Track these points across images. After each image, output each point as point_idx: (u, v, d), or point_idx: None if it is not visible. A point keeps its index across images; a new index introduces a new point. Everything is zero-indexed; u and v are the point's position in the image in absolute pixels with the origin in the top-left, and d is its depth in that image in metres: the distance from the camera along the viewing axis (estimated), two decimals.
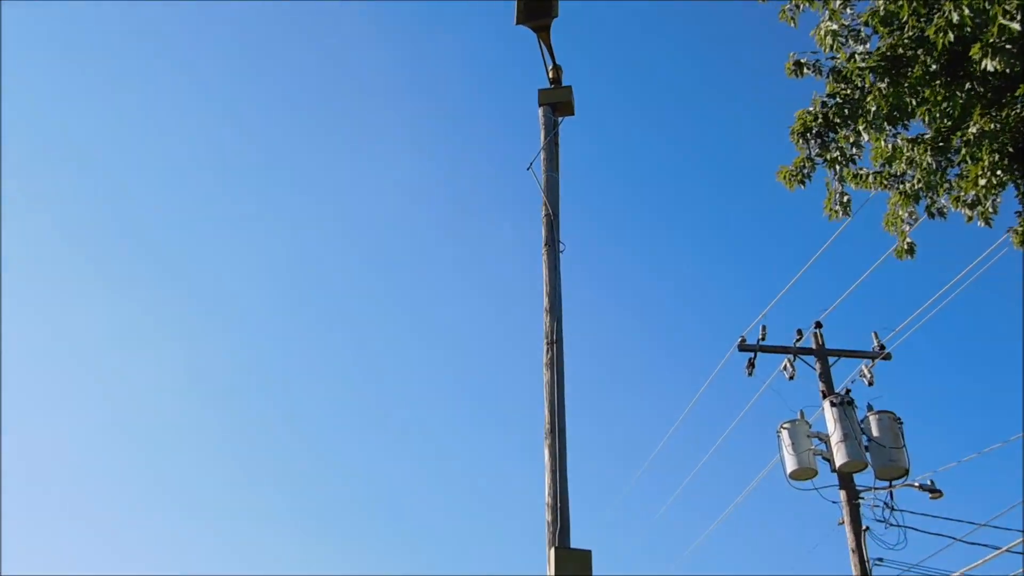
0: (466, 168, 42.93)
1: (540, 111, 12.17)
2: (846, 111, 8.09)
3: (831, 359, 16.05)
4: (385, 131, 41.94)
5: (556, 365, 10.11)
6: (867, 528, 13.66)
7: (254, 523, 41.45)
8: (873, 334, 16.23)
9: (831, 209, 8.94)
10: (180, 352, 43.69)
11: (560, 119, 12.47)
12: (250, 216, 42.95)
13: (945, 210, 8.26)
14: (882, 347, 16.05)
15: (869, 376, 15.80)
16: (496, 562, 40.89)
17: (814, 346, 16.13)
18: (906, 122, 7.92)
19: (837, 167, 8.64)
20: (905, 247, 8.71)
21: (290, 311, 44.77)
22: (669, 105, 41.05)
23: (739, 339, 16.24)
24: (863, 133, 8.07)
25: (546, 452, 9.60)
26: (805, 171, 8.87)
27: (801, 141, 8.62)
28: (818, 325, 16.32)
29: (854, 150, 8.46)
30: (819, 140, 8.48)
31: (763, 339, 16.14)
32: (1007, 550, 12.78)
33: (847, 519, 13.91)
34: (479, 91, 42.57)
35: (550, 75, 12.71)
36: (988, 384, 35.19)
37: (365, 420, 44.80)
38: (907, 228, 8.52)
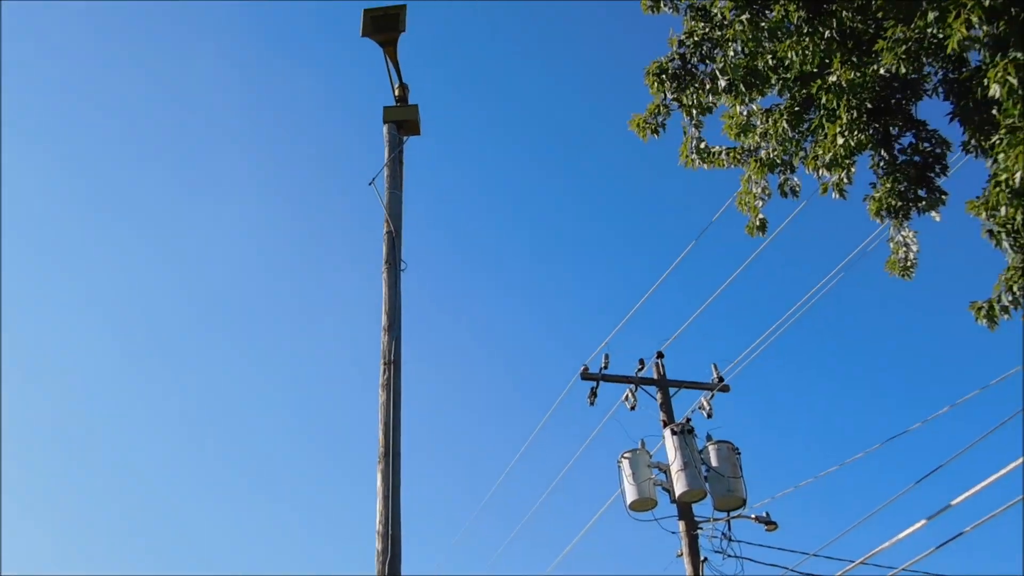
0: (309, 184, 41.83)
1: (384, 128, 11.77)
2: (704, 49, 7.87)
3: (672, 390, 16.11)
4: (215, 146, 40.58)
5: (393, 386, 9.63)
6: (705, 559, 13.64)
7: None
8: (712, 366, 16.40)
9: (687, 157, 8.64)
10: None
11: (406, 138, 12.22)
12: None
13: (798, 188, 8.15)
14: (720, 379, 16.22)
15: (708, 408, 15.92)
16: None
17: (655, 376, 16.15)
18: (762, 89, 7.75)
19: (694, 112, 8.32)
20: (757, 223, 8.48)
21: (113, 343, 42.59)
22: (520, 117, 41.03)
23: (582, 367, 16.13)
24: (720, 79, 7.80)
25: (378, 476, 9.03)
26: (660, 119, 8.48)
27: (656, 84, 8.29)
28: (660, 355, 16.36)
29: (711, 98, 8.16)
30: (675, 83, 8.18)
31: (606, 367, 16.05)
32: None
33: (686, 550, 13.86)
34: (323, 103, 41.65)
35: (396, 92, 12.29)
36: (829, 406, 36.31)
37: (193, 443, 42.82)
38: (759, 204, 8.34)
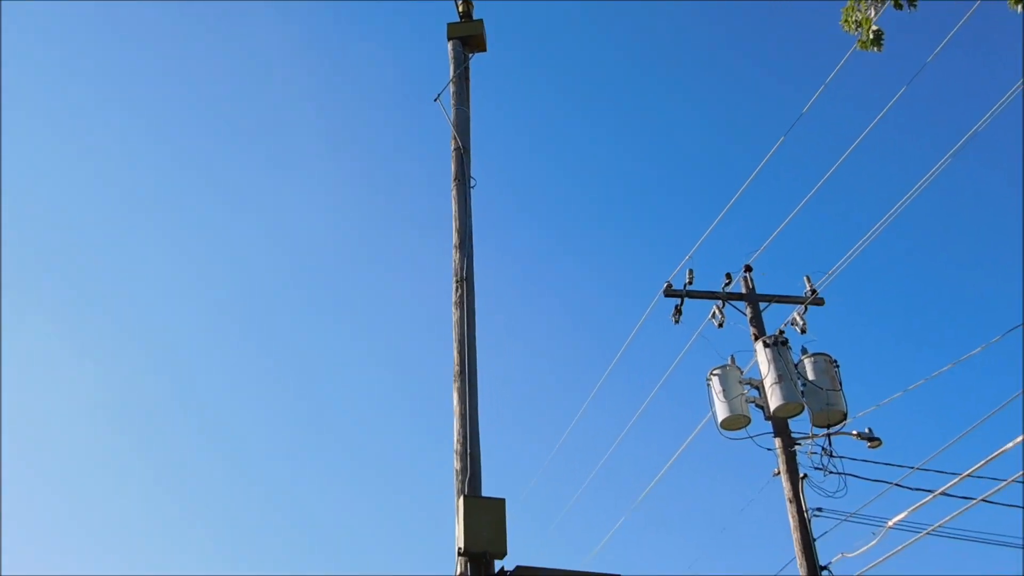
0: (372, 107, 40.96)
1: (449, 45, 11.30)
2: None
3: (762, 305, 15.19)
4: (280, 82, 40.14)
5: (466, 303, 9.21)
6: (805, 476, 12.80)
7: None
8: (805, 278, 15.41)
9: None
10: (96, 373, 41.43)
11: (471, 55, 11.57)
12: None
13: None
14: (814, 291, 15.23)
15: (802, 323, 14.98)
16: (407, 514, 39.26)
17: (744, 291, 15.24)
18: None
19: None
20: (871, 36, 7.33)
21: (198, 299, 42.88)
22: (594, 26, 39.59)
23: (665, 284, 15.27)
24: None
25: (455, 395, 8.62)
26: None
27: None
28: (747, 269, 15.43)
29: None
30: None
31: (690, 283, 15.17)
32: (942, 492, 12.05)
33: (783, 468, 13.02)
34: (386, 25, 40.70)
35: (460, 8, 11.77)
36: (933, 314, 34.45)
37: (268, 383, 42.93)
38: (872, 13, 7.26)
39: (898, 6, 6.91)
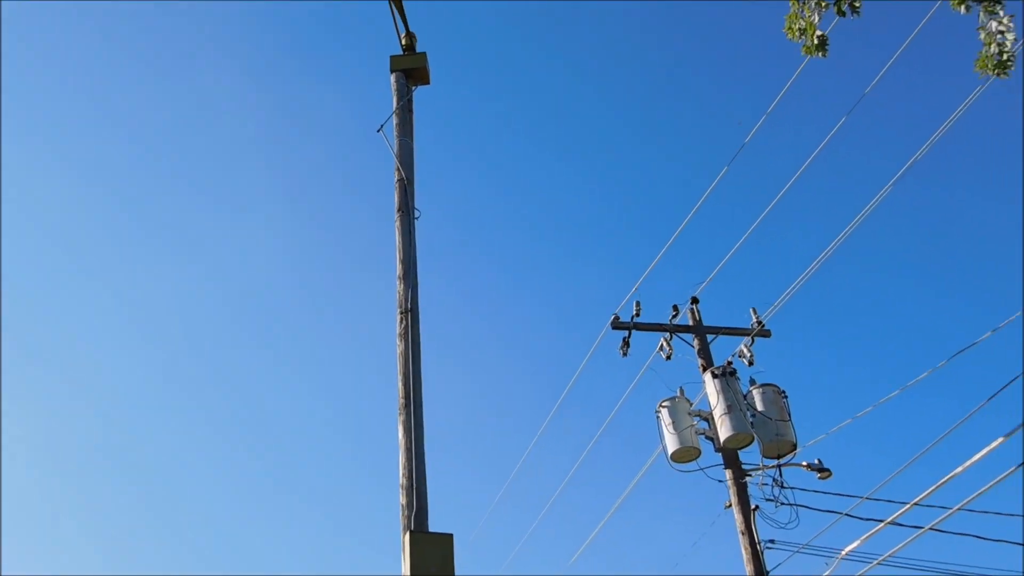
0: (315, 140, 40.64)
1: (392, 77, 11.31)
2: None
3: (709, 336, 15.16)
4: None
5: (411, 335, 9.04)
6: (756, 507, 12.70)
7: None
8: (752, 310, 15.43)
9: None
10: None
11: (414, 87, 11.59)
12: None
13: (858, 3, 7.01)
14: (760, 323, 15.25)
15: (749, 355, 14.97)
16: (353, 552, 38.49)
17: (691, 322, 15.22)
18: None
19: None
20: (815, 41, 7.26)
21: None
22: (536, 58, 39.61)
23: (612, 317, 15.19)
24: None
25: (400, 428, 8.41)
26: None
27: None
28: (694, 301, 15.42)
29: None
30: None
31: (637, 315, 15.12)
32: (891, 522, 12.05)
33: (735, 500, 12.92)
34: (329, 63, 40.53)
35: (403, 42, 11.80)
36: (880, 343, 34.55)
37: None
38: (816, 18, 7.20)
39: (841, 13, 6.92)
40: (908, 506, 11.89)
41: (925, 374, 12.67)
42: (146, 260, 41.17)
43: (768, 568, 12.34)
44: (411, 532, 7.47)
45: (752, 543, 12.48)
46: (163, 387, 42.25)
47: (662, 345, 15.10)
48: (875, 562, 11.70)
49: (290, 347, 41.95)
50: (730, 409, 12.87)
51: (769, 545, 12.52)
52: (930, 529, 11.57)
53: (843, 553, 11.52)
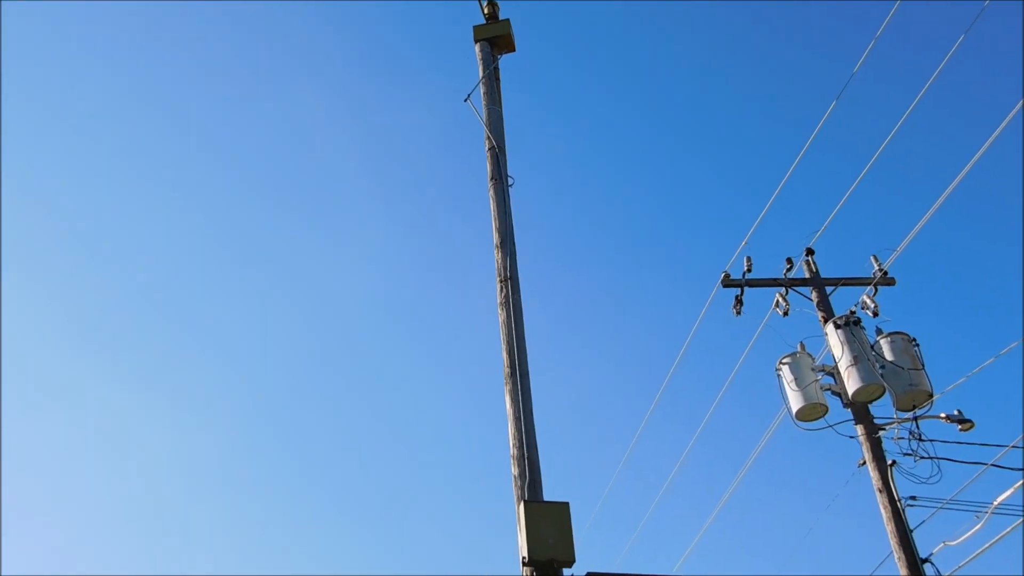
0: (406, 113, 40.47)
1: (477, 47, 11.21)
2: None
3: (828, 288, 14.32)
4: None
5: (512, 303, 8.88)
6: (894, 462, 11.86)
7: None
8: (872, 258, 14.50)
9: None
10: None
11: (500, 55, 11.37)
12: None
13: None
14: (883, 271, 14.33)
15: (873, 306, 14.05)
16: (467, 524, 38.16)
17: (807, 275, 14.40)
18: None
19: None
20: None
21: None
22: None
23: (723, 274, 14.48)
24: None
25: (507, 398, 8.18)
26: None
27: None
28: (809, 252, 14.59)
29: None
30: None
31: (749, 271, 14.37)
32: None
33: (869, 456, 12.09)
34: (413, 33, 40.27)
35: (485, 11, 11.63)
36: (1003, 292, 32.44)
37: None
38: None
39: None
40: None
41: None
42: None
43: (911, 526, 11.51)
44: (525, 502, 7.22)
45: (891, 500, 11.66)
46: (289, 362, 42.80)
47: (778, 301, 14.33)
48: None
49: (396, 321, 41.80)
50: (857, 360, 12.06)
51: (911, 502, 11.68)
52: None
53: (995, 504, 10.64)
